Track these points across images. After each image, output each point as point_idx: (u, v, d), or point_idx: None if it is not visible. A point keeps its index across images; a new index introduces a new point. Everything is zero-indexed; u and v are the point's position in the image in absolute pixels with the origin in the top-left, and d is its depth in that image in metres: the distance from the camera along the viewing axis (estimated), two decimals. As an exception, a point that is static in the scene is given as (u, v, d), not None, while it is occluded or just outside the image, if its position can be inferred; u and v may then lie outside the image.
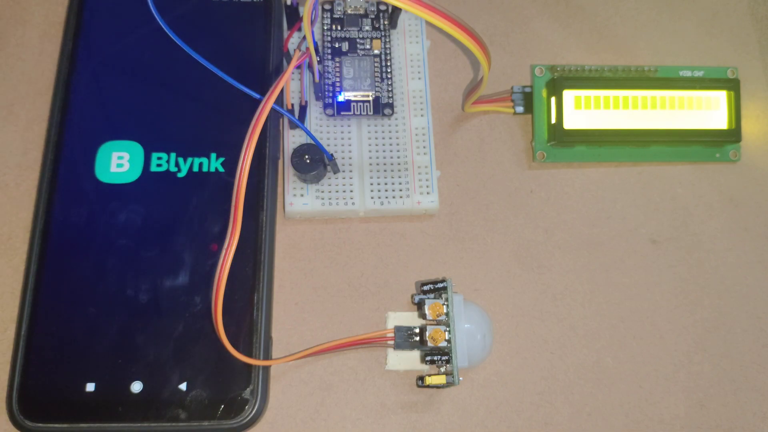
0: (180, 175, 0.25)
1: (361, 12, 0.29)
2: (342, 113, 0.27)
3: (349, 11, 0.29)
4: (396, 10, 0.28)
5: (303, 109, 0.27)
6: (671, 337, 0.27)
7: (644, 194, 0.29)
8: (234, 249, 0.23)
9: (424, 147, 0.27)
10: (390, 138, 0.27)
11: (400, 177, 0.27)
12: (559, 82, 0.28)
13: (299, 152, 0.26)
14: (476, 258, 0.27)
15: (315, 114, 0.28)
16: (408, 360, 0.25)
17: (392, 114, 0.28)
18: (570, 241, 0.28)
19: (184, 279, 0.24)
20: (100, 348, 0.23)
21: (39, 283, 0.24)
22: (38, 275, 0.24)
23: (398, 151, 0.27)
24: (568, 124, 0.28)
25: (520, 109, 0.29)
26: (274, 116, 0.27)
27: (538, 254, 0.28)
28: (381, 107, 0.28)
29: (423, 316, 0.24)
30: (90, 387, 0.23)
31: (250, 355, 0.23)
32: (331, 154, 0.26)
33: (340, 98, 0.28)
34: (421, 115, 0.28)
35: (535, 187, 0.29)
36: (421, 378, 0.24)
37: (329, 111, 0.27)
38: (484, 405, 0.25)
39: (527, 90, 0.29)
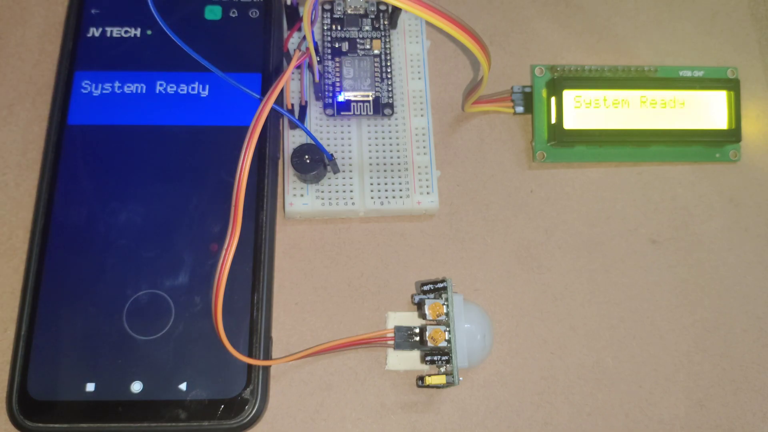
0: None
1: (361, 12, 0.29)
2: (342, 113, 0.27)
3: (349, 11, 0.29)
4: (396, 10, 0.28)
5: (303, 109, 0.27)
6: (671, 337, 0.27)
7: (644, 194, 0.29)
8: (234, 249, 0.23)
9: (424, 147, 0.27)
10: (390, 138, 0.27)
11: (400, 177, 0.27)
12: (559, 82, 0.28)
13: (299, 152, 0.26)
14: (476, 258, 0.27)
15: (315, 114, 0.28)
16: (408, 360, 0.25)
17: (392, 114, 0.28)
18: (570, 241, 0.28)
19: (183, 279, 0.24)
20: (100, 348, 0.23)
21: (39, 283, 0.24)
22: (38, 275, 0.24)
23: (398, 151, 0.27)
24: (568, 124, 0.28)
25: (520, 109, 0.29)
26: (274, 116, 0.27)
27: (538, 254, 0.28)
28: (381, 107, 0.28)
29: (423, 316, 0.24)
30: (90, 387, 0.23)
31: (250, 355, 0.23)
32: (331, 154, 0.26)
33: (340, 98, 0.28)
34: (421, 115, 0.28)
35: (535, 187, 0.29)
36: (421, 378, 0.24)
37: (329, 111, 0.27)
38: (484, 405, 0.25)
39: (527, 90, 0.29)
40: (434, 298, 0.24)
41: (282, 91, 0.25)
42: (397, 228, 0.27)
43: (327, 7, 0.29)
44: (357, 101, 0.28)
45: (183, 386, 0.23)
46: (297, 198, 0.26)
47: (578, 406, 0.26)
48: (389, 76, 0.28)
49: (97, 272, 0.24)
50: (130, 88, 0.26)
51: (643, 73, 0.29)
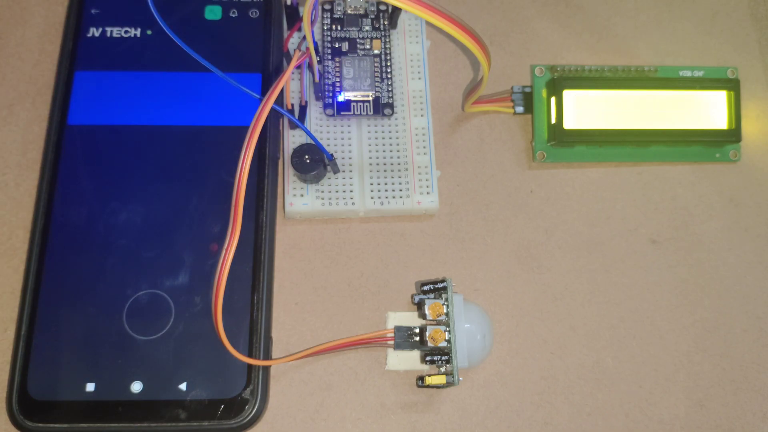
0: None
1: (361, 12, 0.29)
2: (342, 113, 0.27)
3: (349, 11, 0.29)
4: (396, 10, 0.28)
5: (303, 109, 0.27)
6: (671, 337, 0.27)
7: (644, 194, 0.29)
8: (234, 249, 0.23)
9: (424, 147, 0.27)
10: (390, 138, 0.27)
11: (400, 177, 0.27)
12: (559, 82, 0.28)
13: (299, 152, 0.26)
14: (476, 258, 0.27)
15: (315, 114, 0.28)
16: (408, 360, 0.25)
17: (392, 114, 0.28)
18: (570, 241, 0.28)
19: (184, 279, 0.24)
20: (100, 348, 0.23)
21: (39, 283, 0.24)
22: (38, 275, 0.24)
23: (398, 151, 0.27)
24: (568, 124, 0.28)
25: (520, 109, 0.29)
26: (274, 116, 0.27)
27: (538, 254, 0.28)
28: (381, 107, 0.28)
29: (423, 316, 0.24)
30: (90, 387, 0.23)
31: (250, 355, 0.23)
32: (331, 154, 0.26)
33: (340, 98, 0.28)
34: (421, 115, 0.28)
35: (535, 187, 0.29)
36: (421, 378, 0.24)
37: (329, 111, 0.27)
38: (484, 405, 0.25)
39: (527, 90, 0.29)
40: (434, 298, 0.24)
41: (282, 91, 0.25)
42: (397, 228, 0.27)
43: (327, 7, 0.29)
44: (357, 101, 0.28)
45: (183, 386, 0.23)
46: (297, 198, 0.26)
47: (578, 406, 0.26)
48: (389, 76, 0.28)
49: (97, 272, 0.24)
50: (130, 88, 0.26)
51: (643, 73, 0.29)
